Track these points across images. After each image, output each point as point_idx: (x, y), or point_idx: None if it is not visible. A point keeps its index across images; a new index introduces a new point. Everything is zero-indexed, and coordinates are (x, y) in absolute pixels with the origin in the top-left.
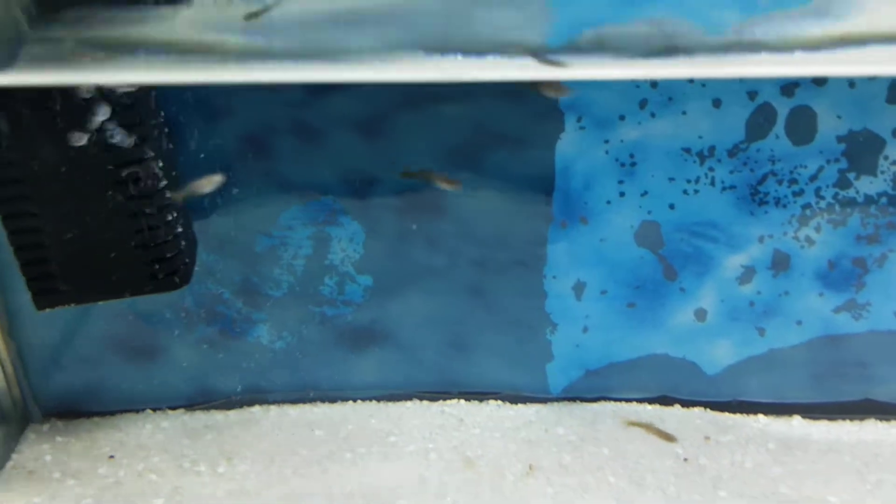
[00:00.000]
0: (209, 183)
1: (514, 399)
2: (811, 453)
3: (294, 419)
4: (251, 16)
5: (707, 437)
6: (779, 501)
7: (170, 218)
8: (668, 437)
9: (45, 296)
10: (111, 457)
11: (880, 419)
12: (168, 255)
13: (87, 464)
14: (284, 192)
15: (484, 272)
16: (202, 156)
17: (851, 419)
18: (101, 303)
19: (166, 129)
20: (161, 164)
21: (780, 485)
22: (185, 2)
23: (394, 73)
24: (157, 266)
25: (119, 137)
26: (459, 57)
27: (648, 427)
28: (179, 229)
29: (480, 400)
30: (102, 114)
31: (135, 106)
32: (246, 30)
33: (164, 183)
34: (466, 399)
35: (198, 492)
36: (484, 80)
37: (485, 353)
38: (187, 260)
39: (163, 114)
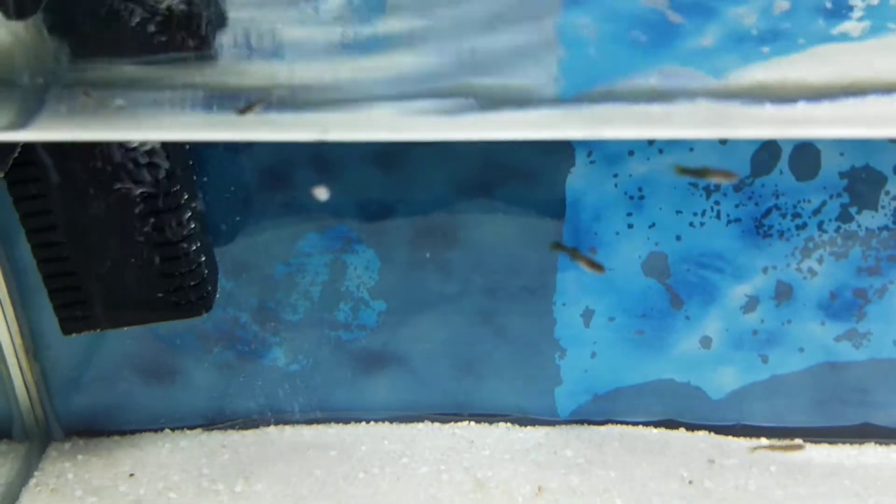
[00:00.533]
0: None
1: (524, 422)
2: (812, 477)
3: (309, 440)
4: (244, 111)
5: (711, 461)
6: None
7: (193, 248)
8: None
9: (71, 322)
10: (131, 475)
11: (879, 443)
12: (191, 284)
13: (107, 482)
14: (302, 220)
15: (495, 299)
16: (223, 186)
17: (851, 443)
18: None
19: (191, 162)
20: (186, 197)
21: None
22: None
23: (409, 133)
24: (180, 294)
25: (143, 161)
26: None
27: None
28: (202, 258)
29: (490, 422)
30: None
31: (164, 144)
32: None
33: (188, 214)
34: (477, 421)
35: None
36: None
37: (495, 376)
38: (210, 288)
39: (187, 146)
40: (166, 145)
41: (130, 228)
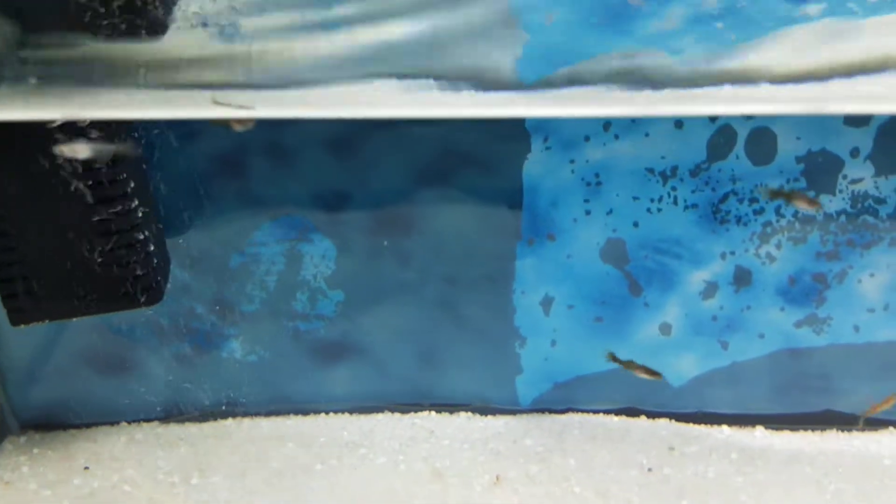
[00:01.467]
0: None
1: (484, 411)
2: (773, 463)
3: (266, 432)
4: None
5: (672, 448)
6: None
7: (142, 237)
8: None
9: (18, 313)
10: (86, 468)
11: (841, 430)
12: (140, 274)
13: (62, 475)
14: (257, 209)
15: (454, 288)
16: (175, 174)
17: (813, 430)
18: (75, 319)
19: (140, 149)
20: (133, 185)
21: (741, 495)
22: (161, 33)
23: (368, 111)
24: (129, 284)
25: (90, 150)
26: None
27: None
28: (151, 248)
29: (451, 412)
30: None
31: (108, 125)
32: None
33: (136, 203)
34: (437, 411)
35: (171, 503)
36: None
37: (455, 366)
38: (159, 278)
39: (136, 134)
40: (112, 131)
41: (76, 217)
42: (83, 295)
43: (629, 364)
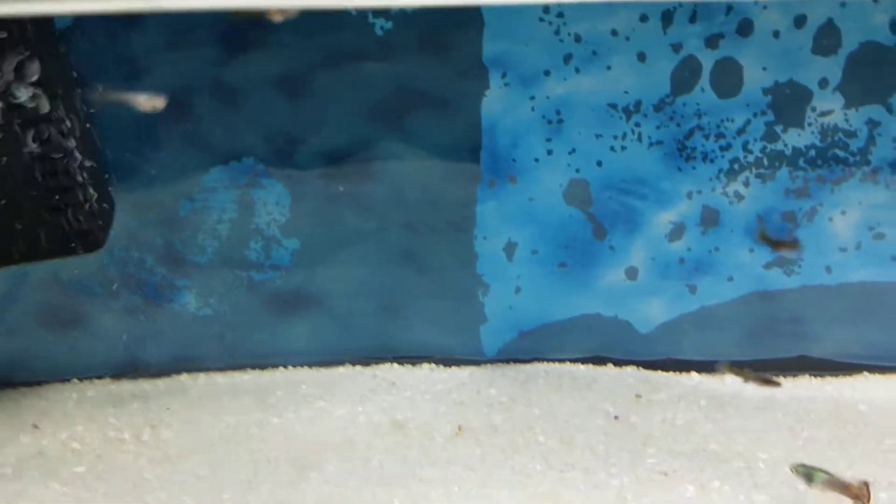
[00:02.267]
0: (149, 103)
1: (449, 362)
2: (742, 410)
3: (223, 387)
4: None
5: (639, 396)
6: (708, 458)
7: (81, 179)
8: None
9: None
10: (35, 426)
11: (814, 376)
12: (80, 217)
13: (10, 433)
14: (205, 153)
15: (414, 235)
16: (120, 117)
17: (785, 376)
18: (19, 268)
19: (80, 90)
20: (70, 125)
21: (710, 442)
22: None
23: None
24: (69, 228)
25: (25, 94)
26: None
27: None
28: (91, 191)
29: (414, 364)
30: (8, 68)
31: (44, 60)
32: None
33: (73, 143)
34: (400, 363)
35: (120, 459)
36: None
37: (418, 316)
38: (100, 222)
39: (76, 74)
40: (46, 66)
41: (11, 159)
42: (21, 241)
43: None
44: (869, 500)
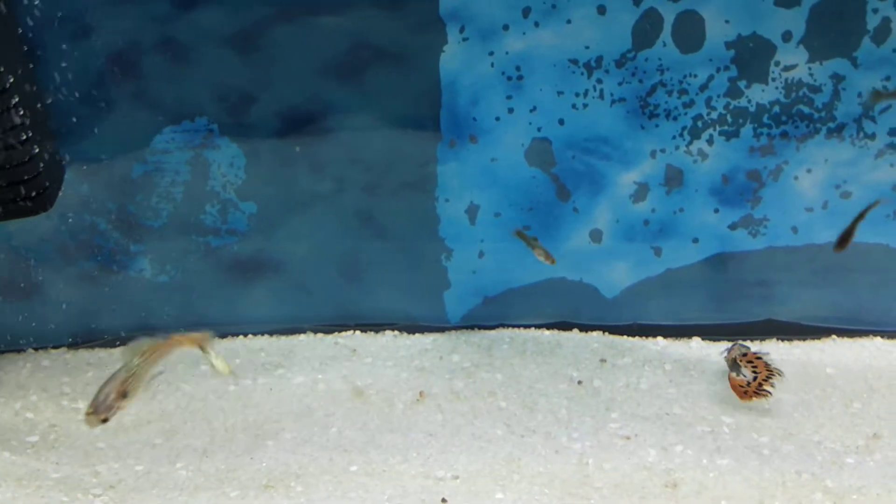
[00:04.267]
0: None
1: (412, 329)
2: (708, 374)
3: (179, 355)
4: None
5: (603, 361)
6: (671, 422)
7: (25, 137)
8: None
9: None
10: None
11: (782, 339)
12: (26, 178)
13: None
14: (156, 113)
15: (373, 197)
16: (67, 75)
17: (752, 339)
18: None
19: (25, 47)
20: (13, 80)
21: (674, 406)
22: None
23: None
24: (13, 190)
25: None
26: None
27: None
28: (37, 150)
29: (377, 331)
30: None
31: None
32: None
33: (16, 100)
34: (363, 331)
35: (74, 429)
36: None
37: (380, 282)
38: (48, 183)
39: (20, 29)
40: None
41: None
42: None
43: (534, 241)
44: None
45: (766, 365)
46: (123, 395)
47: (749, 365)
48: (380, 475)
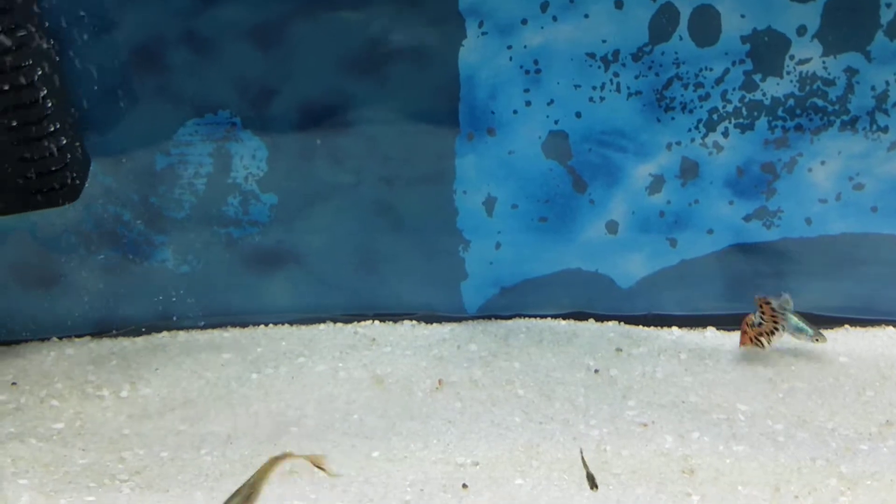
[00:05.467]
0: None
1: (430, 319)
2: (723, 363)
3: (202, 344)
4: None
5: (619, 350)
6: (688, 410)
7: (52, 129)
8: None
9: None
10: (13, 384)
11: None
12: (53, 169)
13: None
14: (180, 106)
15: (393, 189)
16: (92, 70)
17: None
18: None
19: (52, 42)
20: (42, 73)
21: (690, 394)
22: None
23: None
24: (41, 181)
25: None
26: None
27: None
28: (64, 141)
29: (395, 321)
30: None
31: (11, 11)
32: None
33: (44, 92)
34: (381, 320)
35: (99, 416)
36: None
37: (398, 273)
38: (74, 175)
39: (47, 24)
40: (17, 18)
41: None
42: None
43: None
44: None
45: (775, 319)
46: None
47: (763, 316)
48: (401, 461)
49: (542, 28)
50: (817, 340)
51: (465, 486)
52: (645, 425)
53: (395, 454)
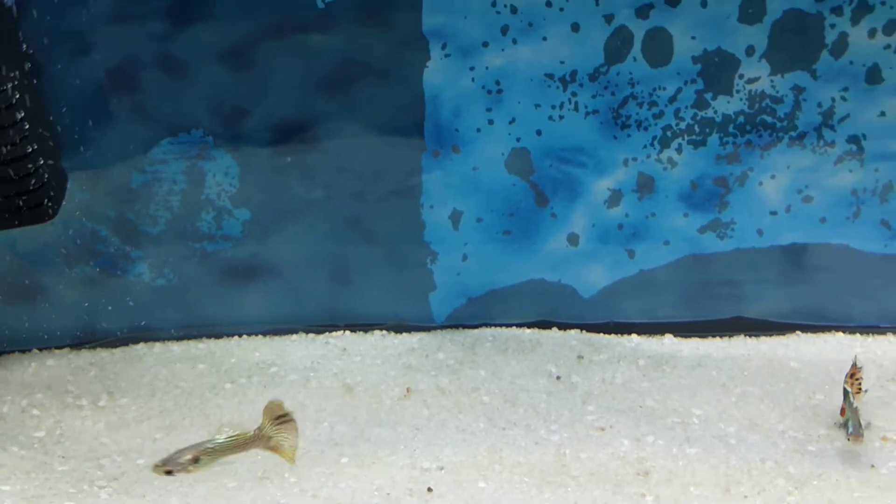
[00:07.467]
0: None
1: (400, 329)
2: (679, 369)
3: (178, 355)
4: None
5: (581, 357)
6: (644, 414)
7: (30, 150)
8: None
9: None
10: None
11: (749, 335)
12: (31, 188)
13: None
14: (154, 126)
15: (362, 204)
16: (68, 91)
17: (721, 336)
18: None
19: (29, 64)
20: (18, 96)
21: (647, 398)
22: None
23: None
24: (20, 199)
25: None
26: None
27: None
28: (41, 161)
29: (366, 331)
30: None
31: None
32: None
33: (21, 114)
34: (352, 331)
35: (78, 425)
36: None
37: (369, 285)
38: (52, 193)
39: (23, 47)
40: None
41: None
42: None
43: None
44: None
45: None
46: (195, 460)
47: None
48: (369, 467)
49: (502, 50)
50: (849, 439)
51: (430, 489)
52: (603, 429)
53: (363, 460)
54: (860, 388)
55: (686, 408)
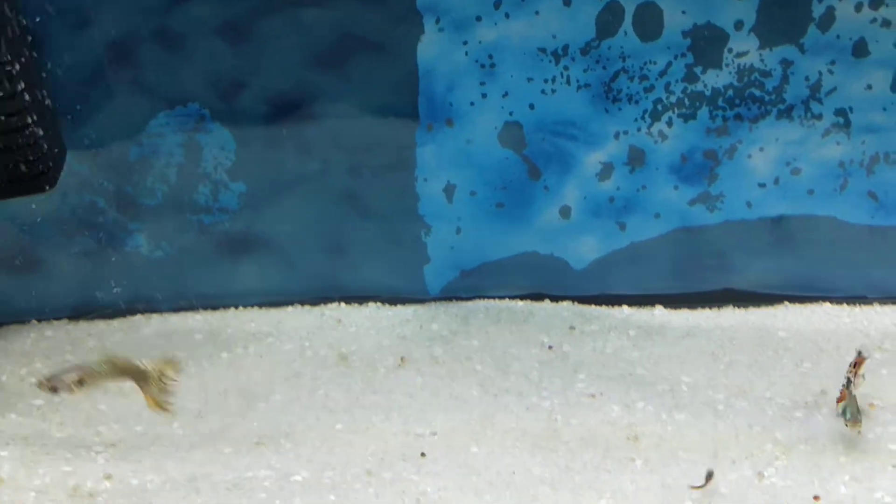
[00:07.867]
0: None
1: (394, 301)
2: (669, 338)
3: (175, 326)
4: None
5: (572, 328)
6: (634, 381)
7: (30, 120)
8: None
9: None
10: None
11: (738, 306)
12: (30, 158)
13: None
14: (151, 99)
15: (357, 177)
16: (67, 64)
17: (711, 307)
18: None
19: (30, 38)
20: (18, 68)
21: (637, 367)
22: None
23: None
24: (19, 169)
25: None
26: None
27: None
28: (41, 132)
29: (361, 303)
30: None
31: None
32: None
33: (21, 86)
34: (347, 303)
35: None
36: None
37: (363, 257)
38: (51, 164)
39: (23, 21)
40: None
41: None
42: None
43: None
44: None
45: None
46: (80, 383)
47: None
48: (363, 433)
49: (495, 24)
50: (847, 425)
51: (423, 454)
52: (593, 396)
53: (357, 426)
54: (860, 376)
55: (675, 375)
